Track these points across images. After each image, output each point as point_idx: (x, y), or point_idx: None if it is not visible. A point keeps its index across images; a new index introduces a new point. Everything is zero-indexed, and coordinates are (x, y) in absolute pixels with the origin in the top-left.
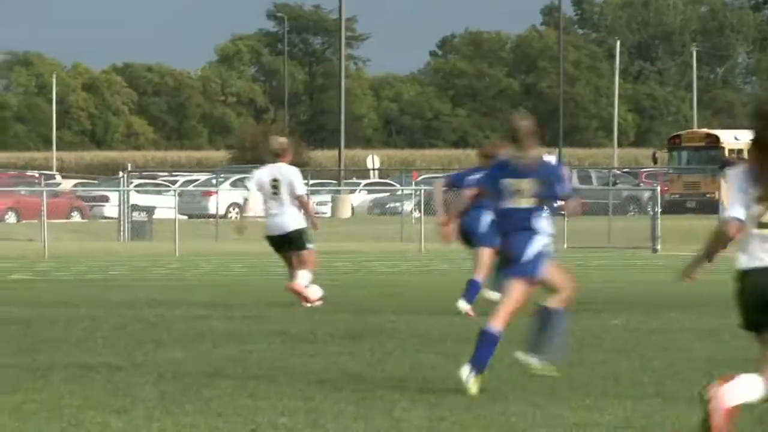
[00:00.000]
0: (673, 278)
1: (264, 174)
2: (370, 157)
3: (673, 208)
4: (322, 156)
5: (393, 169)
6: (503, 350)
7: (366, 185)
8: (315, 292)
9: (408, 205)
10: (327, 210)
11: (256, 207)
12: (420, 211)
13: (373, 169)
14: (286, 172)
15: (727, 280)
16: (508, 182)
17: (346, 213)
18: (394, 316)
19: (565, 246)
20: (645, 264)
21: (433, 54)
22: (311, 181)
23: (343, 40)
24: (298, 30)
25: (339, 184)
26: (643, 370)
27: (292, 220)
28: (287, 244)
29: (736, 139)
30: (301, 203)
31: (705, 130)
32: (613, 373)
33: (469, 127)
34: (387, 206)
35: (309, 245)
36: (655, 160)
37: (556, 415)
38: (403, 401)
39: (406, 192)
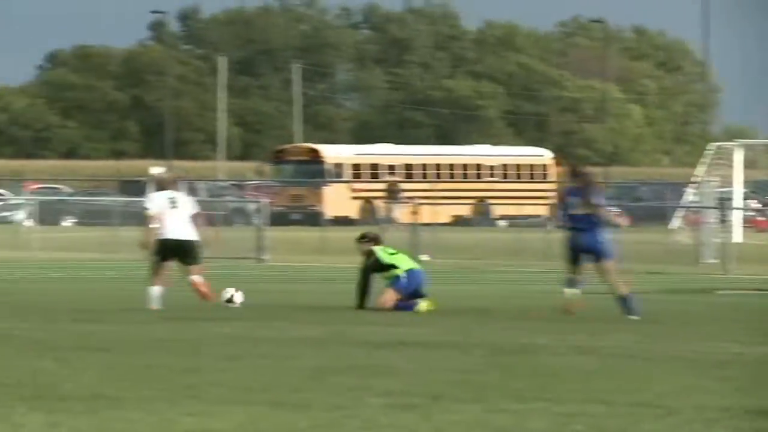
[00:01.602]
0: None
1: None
2: None
3: (278, 219)
4: None
5: (3, 178)
6: (114, 359)
7: None
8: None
9: (20, 215)
10: None
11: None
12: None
13: None
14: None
15: (324, 290)
16: None
17: None
18: (9, 323)
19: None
20: (252, 274)
21: (42, 67)
22: None
23: None
24: None
25: None
26: (252, 377)
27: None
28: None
29: (337, 152)
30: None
31: (308, 144)
32: (224, 381)
33: (79, 138)
34: None
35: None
36: (260, 173)
37: (172, 421)
38: (21, 407)
39: (18, 201)
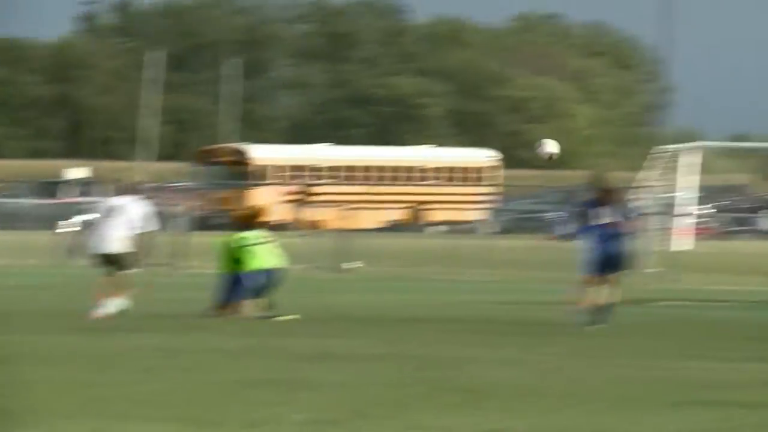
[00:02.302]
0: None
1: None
2: None
3: (200, 224)
4: None
5: None
6: (9, 372)
7: None
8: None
9: None
10: None
11: None
12: None
13: None
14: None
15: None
16: None
17: None
18: None
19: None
20: (168, 282)
21: None
22: None
23: None
24: None
25: None
26: (164, 391)
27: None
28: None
29: (265, 154)
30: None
31: (233, 144)
32: (140, 395)
33: None
34: None
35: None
36: (187, 175)
37: None
38: None
39: None
